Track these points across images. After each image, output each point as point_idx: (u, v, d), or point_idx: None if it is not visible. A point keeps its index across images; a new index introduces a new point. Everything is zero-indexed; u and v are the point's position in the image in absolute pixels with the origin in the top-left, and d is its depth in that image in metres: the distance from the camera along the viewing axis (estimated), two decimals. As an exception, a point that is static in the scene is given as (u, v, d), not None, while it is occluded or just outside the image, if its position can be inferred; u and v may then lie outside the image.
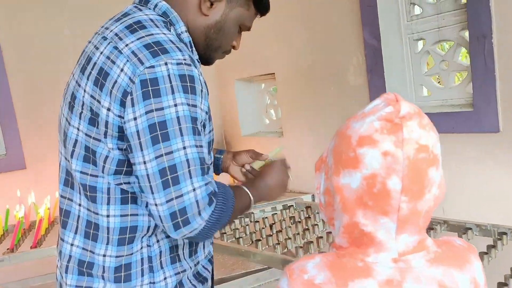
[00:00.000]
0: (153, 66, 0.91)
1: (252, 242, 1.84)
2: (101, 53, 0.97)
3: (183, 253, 1.07)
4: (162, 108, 0.90)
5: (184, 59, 0.94)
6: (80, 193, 1.02)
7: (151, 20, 1.00)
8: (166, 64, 0.91)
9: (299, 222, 1.99)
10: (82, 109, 0.98)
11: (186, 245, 1.08)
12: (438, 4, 2.00)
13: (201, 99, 0.96)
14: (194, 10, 1.05)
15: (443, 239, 0.79)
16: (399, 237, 0.70)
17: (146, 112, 0.90)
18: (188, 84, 0.93)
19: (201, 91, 0.96)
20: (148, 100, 0.90)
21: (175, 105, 0.91)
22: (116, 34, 0.97)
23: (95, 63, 0.97)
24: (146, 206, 1.01)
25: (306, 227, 1.91)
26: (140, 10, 1.03)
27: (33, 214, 2.48)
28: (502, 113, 1.72)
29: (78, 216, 1.03)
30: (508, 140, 1.71)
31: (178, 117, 0.91)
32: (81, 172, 0.99)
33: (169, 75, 0.91)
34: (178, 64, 0.92)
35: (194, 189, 0.92)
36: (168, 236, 1.05)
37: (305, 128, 2.45)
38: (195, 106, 0.94)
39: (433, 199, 0.70)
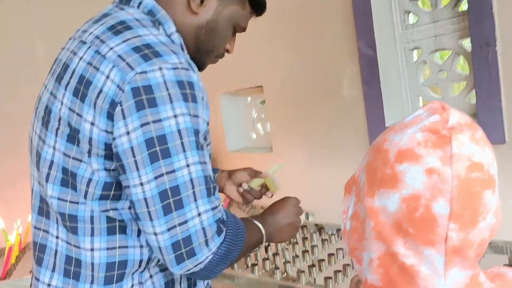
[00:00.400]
0: (145, 72, 0.80)
1: (247, 266, 1.70)
2: (81, 58, 0.86)
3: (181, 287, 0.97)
4: (160, 120, 0.79)
5: (180, 63, 0.84)
6: (57, 224, 0.90)
7: (137, 19, 0.89)
8: (160, 69, 0.81)
9: (296, 243, 1.86)
10: (59, 124, 0.86)
11: (184, 279, 0.97)
12: (435, 12, 1.94)
13: (202, 108, 0.85)
14: (183, 8, 0.94)
15: (493, 271, 0.68)
16: (448, 274, 0.58)
17: (142, 125, 0.79)
18: (188, 91, 0.82)
19: (202, 98, 0.86)
20: (143, 111, 0.79)
21: (175, 116, 0.80)
22: (97, 37, 0.86)
23: (73, 71, 0.86)
24: (138, 236, 0.88)
25: (305, 249, 1.78)
26: (123, 9, 0.92)
27: (2, 241, 2.27)
28: (508, 124, 1.65)
29: (56, 251, 0.90)
30: (515, 151, 1.64)
31: (179, 130, 0.81)
32: (58, 198, 0.87)
33: (165, 82, 0.80)
34: (174, 69, 0.82)
35: (199, 214, 0.82)
36: (162, 270, 0.93)
37: (296, 143, 2.33)
38: (197, 116, 0.84)
39: (489, 229, 0.59)
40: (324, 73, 2.17)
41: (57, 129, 0.87)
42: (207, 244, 0.82)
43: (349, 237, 0.68)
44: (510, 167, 1.65)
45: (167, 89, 0.80)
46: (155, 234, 0.81)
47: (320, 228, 1.97)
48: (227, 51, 1.05)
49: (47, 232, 0.92)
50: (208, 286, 1.06)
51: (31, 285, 0.96)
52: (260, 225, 0.98)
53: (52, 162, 0.88)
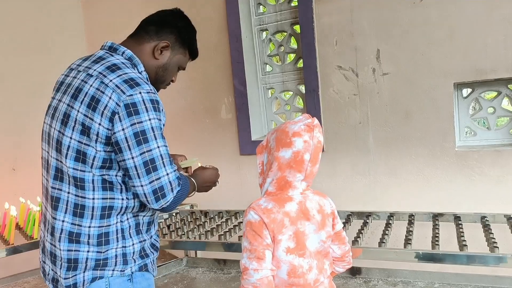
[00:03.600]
0: (131, 95, 1.28)
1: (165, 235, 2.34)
2: (91, 85, 1.32)
3: (142, 229, 1.44)
4: (141, 122, 1.27)
5: (151, 89, 1.32)
6: (69, 184, 1.34)
7: (123, 63, 1.37)
8: (140, 93, 1.29)
9: (190, 221, 2.56)
10: (75, 124, 1.32)
11: (145, 224, 1.44)
12: (283, 66, 2.92)
13: (162, 115, 1.35)
14: (149, 55, 1.44)
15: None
16: (302, 183, 1.34)
17: (131, 125, 1.27)
18: (155, 105, 1.31)
19: (162, 110, 1.35)
20: (132, 117, 1.27)
21: (149, 119, 1.29)
22: (100, 73, 1.33)
23: (86, 92, 1.32)
24: (120, 192, 1.35)
25: (195, 225, 2.50)
26: (112, 55, 1.40)
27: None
28: (325, 138, 2.66)
29: (67, 201, 1.34)
30: (330, 157, 2.67)
31: (152, 127, 1.29)
32: (73, 168, 1.32)
33: (143, 100, 1.28)
34: (147, 92, 1.30)
35: (167, 174, 1.32)
36: (134, 216, 1.40)
37: (187, 151, 3.04)
38: (160, 120, 1.33)
39: (316, 170, 1.41)
40: (209, 101, 2.96)
41: (73, 126, 1.31)
42: (172, 191, 1.31)
43: (264, 174, 1.37)
44: (329, 167, 2.66)
45: (144, 104, 1.27)
46: (142, 186, 1.28)
47: (205, 212, 2.70)
48: (172, 81, 1.56)
49: (60, 190, 1.34)
50: (157, 231, 1.59)
51: (41, 244, 1.42)
52: (194, 181, 1.48)
53: (69, 146, 1.31)
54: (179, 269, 2.74)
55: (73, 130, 1.31)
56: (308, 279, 1.29)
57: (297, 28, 2.84)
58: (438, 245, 1.85)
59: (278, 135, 1.32)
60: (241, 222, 2.41)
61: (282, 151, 1.28)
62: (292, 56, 2.92)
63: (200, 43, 1.57)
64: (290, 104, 2.94)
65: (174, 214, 2.74)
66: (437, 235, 1.95)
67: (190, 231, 2.36)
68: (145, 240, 1.44)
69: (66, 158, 1.33)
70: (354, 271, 2.42)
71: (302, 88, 2.85)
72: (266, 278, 1.22)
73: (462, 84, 2.42)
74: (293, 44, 2.94)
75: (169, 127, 3.24)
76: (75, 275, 1.34)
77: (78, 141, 1.31)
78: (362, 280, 2.40)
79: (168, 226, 2.49)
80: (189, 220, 2.62)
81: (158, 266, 2.63)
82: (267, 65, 2.99)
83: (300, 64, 2.84)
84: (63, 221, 1.34)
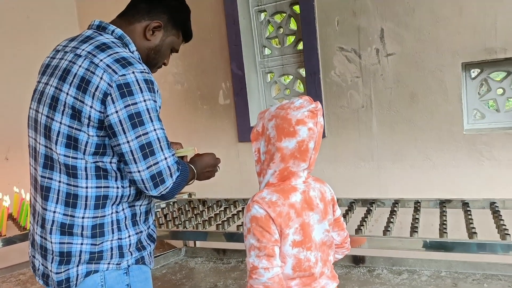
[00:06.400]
0: (124, 75, 1.21)
1: (162, 224, 2.26)
2: (80, 66, 1.24)
3: (140, 219, 1.38)
4: (136, 103, 1.21)
5: (144, 69, 1.26)
6: (60, 172, 1.26)
7: (113, 42, 1.30)
8: (133, 72, 1.22)
9: (188, 211, 2.48)
10: (64, 107, 1.24)
11: (143, 214, 1.39)
12: (282, 48, 2.81)
13: (158, 97, 1.29)
14: (140, 36, 1.37)
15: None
16: (304, 171, 1.26)
17: (125, 107, 1.20)
18: (150, 86, 1.25)
19: (157, 91, 1.28)
20: (125, 98, 1.20)
21: (144, 101, 1.22)
22: (89, 52, 1.26)
23: (75, 74, 1.24)
24: (116, 180, 1.29)
25: (193, 214, 2.42)
26: (101, 34, 1.32)
27: None
28: (326, 123, 2.57)
29: (58, 190, 1.27)
30: (332, 142, 2.58)
31: (147, 109, 1.23)
32: (64, 155, 1.25)
33: (137, 80, 1.22)
34: (141, 72, 1.23)
35: (166, 158, 1.26)
36: (130, 206, 1.34)
37: (184, 137, 2.95)
38: (155, 101, 1.27)
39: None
40: (206, 86, 2.86)
41: (63, 110, 1.23)
42: (171, 176, 1.25)
43: (262, 163, 1.27)
44: (331, 153, 2.57)
45: (139, 84, 1.20)
46: (139, 171, 1.22)
47: (204, 201, 2.62)
48: (164, 64, 1.48)
49: (51, 179, 1.27)
50: (153, 223, 1.50)
51: (29, 235, 1.33)
52: (193, 167, 1.41)
53: (59, 132, 1.24)
54: (177, 259, 2.68)
55: (62, 114, 1.24)
56: (315, 273, 1.22)
57: (296, 8, 2.72)
58: (446, 233, 1.76)
59: (278, 123, 1.20)
60: (240, 211, 2.33)
61: (285, 141, 1.18)
62: (292, 38, 2.81)
63: (195, 25, 1.48)
64: (290, 89, 2.84)
65: (171, 203, 2.66)
66: (444, 222, 1.86)
67: (187, 220, 2.28)
68: (141, 232, 1.37)
69: (56, 144, 1.25)
70: (358, 260, 2.35)
71: (303, 72, 2.75)
72: (277, 276, 1.16)
73: (471, 64, 2.31)
74: (293, 26, 2.82)
75: (164, 114, 3.13)
76: (68, 269, 1.26)
77: (69, 126, 1.23)
78: (366, 269, 2.33)
79: (165, 216, 2.40)
80: (187, 209, 2.54)
81: (156, 256, 2.56)
82: (266, 48, 2.88)
83: (300, 46, 2.73)
84: (54, 212, 1.27)
